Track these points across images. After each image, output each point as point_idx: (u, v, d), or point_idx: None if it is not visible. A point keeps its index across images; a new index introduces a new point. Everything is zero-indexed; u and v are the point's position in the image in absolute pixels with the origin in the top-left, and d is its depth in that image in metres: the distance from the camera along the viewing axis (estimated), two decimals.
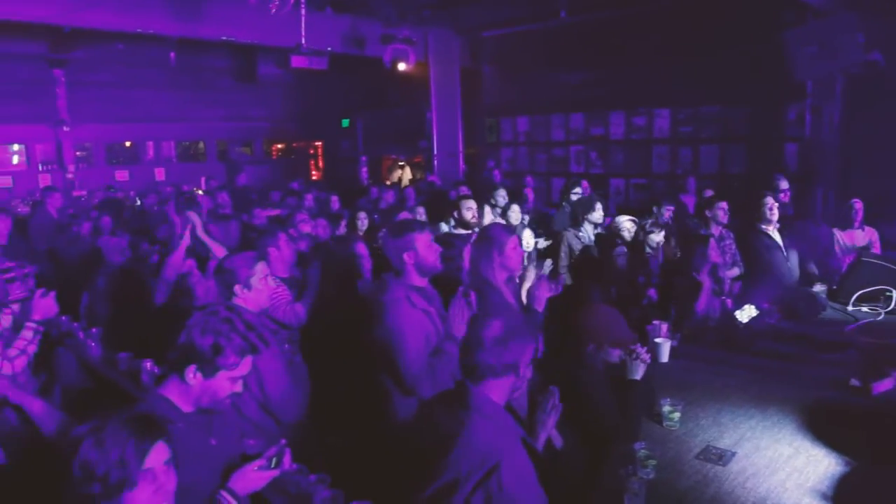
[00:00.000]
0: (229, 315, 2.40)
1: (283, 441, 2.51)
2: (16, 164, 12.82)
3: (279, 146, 16.84)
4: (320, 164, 17.04)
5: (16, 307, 4.08)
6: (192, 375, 2.29)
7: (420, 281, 3.45)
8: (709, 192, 7.51)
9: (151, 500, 1.83)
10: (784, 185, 6.50)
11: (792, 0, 8.18)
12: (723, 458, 2.87)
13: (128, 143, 14.35)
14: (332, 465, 2.87)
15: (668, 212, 6.75)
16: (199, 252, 5.27)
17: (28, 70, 12.09)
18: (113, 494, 1.78)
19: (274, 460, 2.42)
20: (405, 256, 3.38)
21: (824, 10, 8.07)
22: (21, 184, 12.32)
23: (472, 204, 5.89)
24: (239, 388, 2.39)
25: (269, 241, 4.55)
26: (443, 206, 7.03)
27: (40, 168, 12.81)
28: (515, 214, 6.97)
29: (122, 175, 13.77)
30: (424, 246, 3.39)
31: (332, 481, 2.59)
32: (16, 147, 12.80)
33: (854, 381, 3.47)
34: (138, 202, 10.61)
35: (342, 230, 6.68)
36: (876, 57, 7.69)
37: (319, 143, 16.92)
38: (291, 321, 4.26)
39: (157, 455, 1.85)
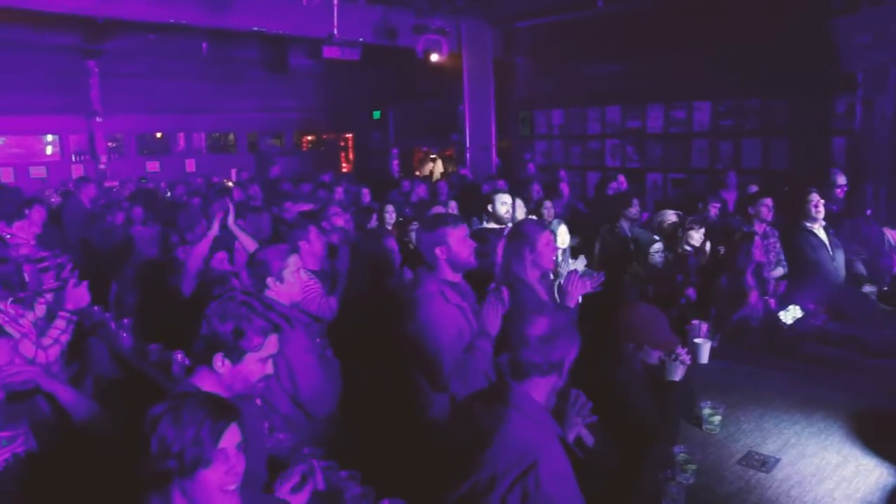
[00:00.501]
0: (246, 299, 2.45)
1: (314, 462, 2.53)
2: (49, 155, 12.98)
3: (309, 138, 16.83)
4: (350, 156, 17.02)
5: (49, 297, 4.11)
6: (221, 363, 2.32)
7: (453, 276, 3.43)
8: (753, 188, 7.28)
9: (223, 481, 1.87)
10: (841, 179, 6.20)
11: None
12: (766, 464, 2.78)
13: (158, 135, 14.44)
14: (362, 461, 2.83)
15: (713, 208, 6.61)
16: (228, 244, 5.27)
17: (62, 61, 12.23)
18: (187, 472, 1.82)
19: (306, 477, 2.45)
20: (437, 251, 3.36)
21: None
22: (55, 174, 12.47)
23: (507, 199, 5.86)
24: (270, 369, 2.42)
25: (299, 234, 4.58)
26: (475, 200, 6.98)
27: (73, 158, 12.95)
28: (548, 210, 6.89)
29: (153, 166, 13.90)
30: (457, 241, 3.37)
31: (362, 478, 2.59)
32: (49, 138, 12.95)
33: None
34: (168, 193, 10.67)
35: (374, 223, 6.65)
36: None
37: (350, 135, 16.89)
38: (325, 314, 4.30)
39: (231, 437, 1.89)
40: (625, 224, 6.24)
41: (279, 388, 3.20)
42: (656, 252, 5.33)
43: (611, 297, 4.56)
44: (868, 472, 2.69)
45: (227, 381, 2.34)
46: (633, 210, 6.34)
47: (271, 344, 2.39)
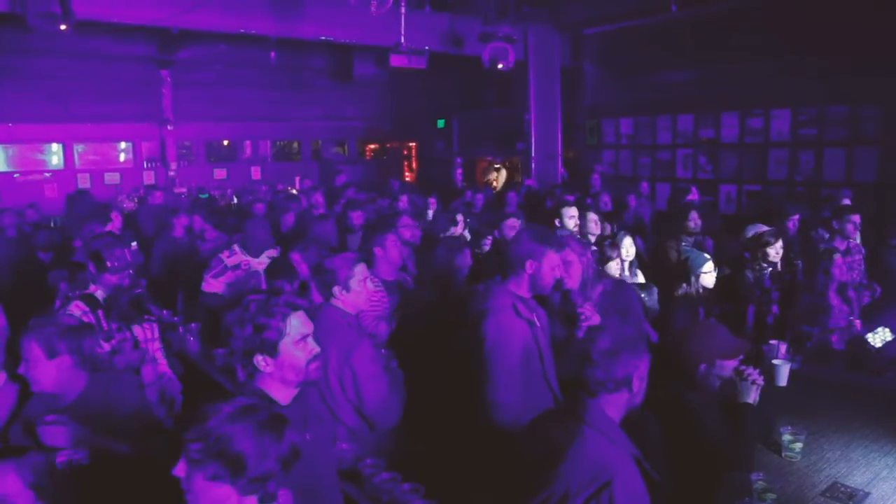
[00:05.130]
0: (253, 296, 2.40)
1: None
2: (123, 162, 13.35)
3: (372, 146, 16.94)
4: (413, 164, 17.04)
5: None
6: (264, 363, 2.29)
7: (526, 292, 3.36)
8: (846, 199, 6.85)
9: None
10: None
11: None
12: (853, 497, 2.61)
13: (226, 142, 14.72)
14: (425, 473, 2.83)
15: (791, 221, 6.23)
16: None
17: (137, 71, 12.57)
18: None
19: None
20: (528, 264, 3.26)
21: None
22: (128, 180, 12.83)
23: (573, 211, 5.77)
24: (315, 348, 2.36)
25: (375, 239, 4.54)
26: (540, 211, 6.87)
27: (145, 165, 13.29)
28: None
29: (220, 173, 14.15)
30: (550, 266, 3.29)
31: (425, 491, 2.61)
32: (123, 145, 13.33)
33: None
34: (235, 200, 10.82)
35: (458, 229, 6.55)
36: None
37: (413, 144, 16.93)
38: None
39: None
40: (687, 239, 5.93)
41: (344, 399, 3.20)
42: (707, 272, 5.05)
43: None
44: None
45: (278, 376, 2.31)
46: (692, 224, 6.01)
47: (300, 323, 2.33)
